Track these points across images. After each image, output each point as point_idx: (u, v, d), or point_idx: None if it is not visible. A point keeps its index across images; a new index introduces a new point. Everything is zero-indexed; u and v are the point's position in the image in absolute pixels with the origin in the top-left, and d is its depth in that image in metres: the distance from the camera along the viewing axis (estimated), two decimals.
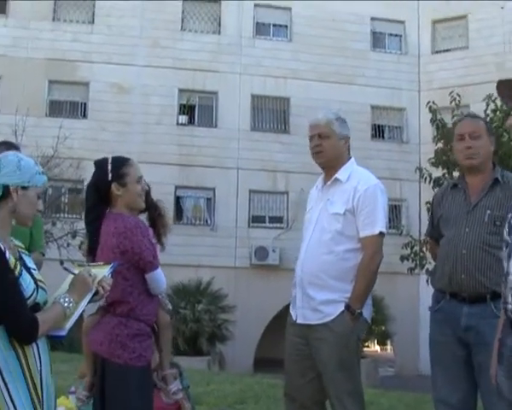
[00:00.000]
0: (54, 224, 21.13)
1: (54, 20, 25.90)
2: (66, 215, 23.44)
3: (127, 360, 4.28)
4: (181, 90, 26.42)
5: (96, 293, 3.57)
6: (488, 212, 4.56)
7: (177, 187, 25.06)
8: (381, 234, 4.73)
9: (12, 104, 21.91)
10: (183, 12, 26.86)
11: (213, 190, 26.02)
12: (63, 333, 3.40)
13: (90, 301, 3.57)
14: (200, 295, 22.79)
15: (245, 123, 26.70)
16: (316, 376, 4.77)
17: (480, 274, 4.44)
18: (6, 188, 3.37)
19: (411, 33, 28.82)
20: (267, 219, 26.73)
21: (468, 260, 4.56)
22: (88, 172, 19.40)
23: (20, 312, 3.19)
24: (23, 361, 3.24)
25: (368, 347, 29.92)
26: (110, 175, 4.42)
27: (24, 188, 3.40)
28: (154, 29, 25.88)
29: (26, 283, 3.28)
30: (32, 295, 3.29)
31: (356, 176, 4.84)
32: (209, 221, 26.11)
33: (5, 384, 3.17)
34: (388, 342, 29.70)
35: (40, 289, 3.38)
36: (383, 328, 24.91)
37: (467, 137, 4.78)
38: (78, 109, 25.95)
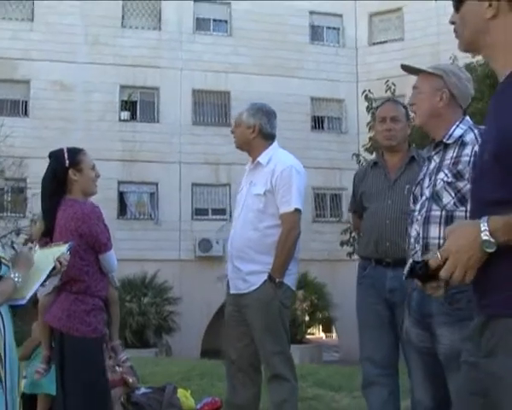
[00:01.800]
0: None
1: None
2: (9, 213, 23.35)
3: (85, 333, 4.65)
4: (122, 87, 26.50)
5: (55, 268, 4.05)
6: (407, 186, 4.99)
7: (120, 182, 25.16)
8: (297, 210, 5.18)
9: None
10: (123, 8, 26.93)
11: (156, 184, 26.18)
12: (23, 302, 3.84)
13: (49, 275, 4.06)
14: (146, 288, 23.08)
15: (186, 117, 26.92)
16: (250, 341, 5.22)
17: (402, 241, 4.85)
18: None
19: (349, 26, 29.30)
20: (210, 211, 27.00)
21: (391, 230, 5.01)
22: (30, 170, 19.38)
23: None
24: None
25: (312, 334, 30.44)
26: (67, 162, 4.81)
27: None
28: (95, 26, 25.86)
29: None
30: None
31: (275, 159, 5.30)
32: (153, 215, 26.27)
33: None
34: (333, 329, 30.23)
35: (3, 265, 3.71)
36: (326, 314, 25.46)
37: (388, 119, 5.25)
38: (19, 107, 25.80)
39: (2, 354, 3.63)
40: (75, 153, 4.91)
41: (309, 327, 26.41)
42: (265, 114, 5.40)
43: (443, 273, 2.25)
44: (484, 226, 2.16)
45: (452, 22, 2.60)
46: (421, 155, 5.04)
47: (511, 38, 2.34)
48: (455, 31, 2.59)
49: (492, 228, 2.15)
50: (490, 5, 2.36)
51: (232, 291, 5.28)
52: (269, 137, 5.40)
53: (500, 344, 2.22)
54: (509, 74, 2.33)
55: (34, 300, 6.04)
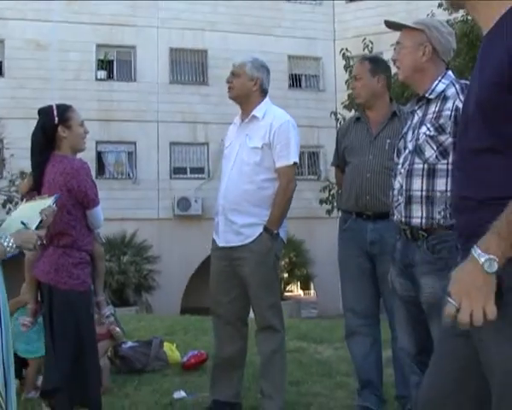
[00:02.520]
0: None
1: None
2: None
3: (72, 286, 4.75)
4: (99, 46, 26.28)
5: (42, 221, 4.10)
6: (388, 141, 5.11)
7: (97, 142, 24.98)
8: (295, 164, 5.27)
9: None
10: None
11: (134, 143, 26.13)
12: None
13: (36, 228, 4.06)
14: (125, 247, 23.19)
15: (164, 76, 26.81)
16: (238, 294, 5.31)
17: (382, 195, 4.99)
18: None
19: None
20: (188, 170, 27.03)
21: (371, 183, 5.14)
22: (7, 130, 19.23)
23: None
24: None
25: (291, 291, 30.69)
26: (56, 119, 4.86)
27: None
28: None
29: None
30: None
31: (271, 113, 5.33)
32: (131, 175, 26.26)
33: None
34: (311, 287, 30.48)
35: None
36: (305, 271, 25.69)
37: (353, 79, 5.51)
38: None
39: None
40: (64, 110, 4.94)
41: (287, 284, 26.68)
42: (266, 70, 5.46)
43: (462, 319, 2.18)
44: (476, 252, 2.18)
45: None
46: (402, 110, 5.14)
47: None
48: None
49: (484, 247, 2.17)
50: None
51: (222, 244, 5.30)
52: (265, 93, 5.45)
53: None
54: (491, 29, 2.41)
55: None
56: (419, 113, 3.93)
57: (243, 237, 5.18)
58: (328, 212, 19.32)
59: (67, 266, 4.75)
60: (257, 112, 5.33)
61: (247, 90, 5.36)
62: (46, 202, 4.32)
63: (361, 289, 5.22)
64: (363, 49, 17.82)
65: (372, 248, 5.10)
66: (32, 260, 5.04)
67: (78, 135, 4.94)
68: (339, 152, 5.62)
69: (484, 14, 2.47)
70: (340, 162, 5.61)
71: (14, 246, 3.75)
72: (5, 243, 3.72)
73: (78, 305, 4.78)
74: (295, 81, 28.63)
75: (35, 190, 4.90)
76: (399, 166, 3.90)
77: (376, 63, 5.41)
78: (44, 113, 4.94)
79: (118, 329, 6.55)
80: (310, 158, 27.53)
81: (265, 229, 5.15)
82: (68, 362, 4.71)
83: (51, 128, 4.86)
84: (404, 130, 4.02)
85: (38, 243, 3.97)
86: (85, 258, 4.90)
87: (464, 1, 2.54)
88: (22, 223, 3.96)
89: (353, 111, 17.85)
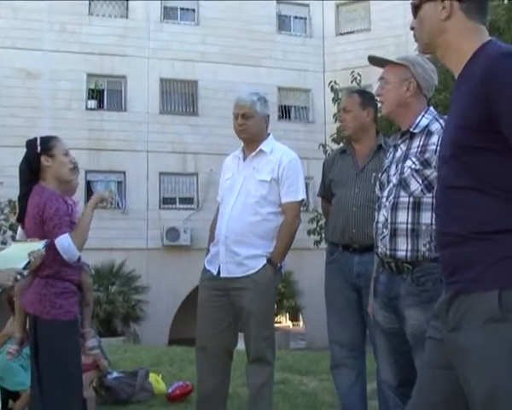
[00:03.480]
0: None
1: None
2: None
3: (55, 316, 4.72)
4: (89, 75, 26.34)
5: (29, 262, 4.21)
6: (374, 174, 5.13)
7: (87, 171, 24.90)
8: (302, 201, 5.37)
9: None
10: None
11: (124, 173, 26.13)
12: None
13: (24, 268, 4.17)
14: (114, 277, 23.13)
15: (154, 106, 26.86)
16: (228, 325, 5.30)
17: (368, 228, 5.00)
18: None
19: (316, 16, 29.38)
20: (178, 200, 27.01)
21: (357, 217, 5.17)
22: None
23: None
24: None
25: (280, 322, 30.61)
26: (39, 148, 4.88)
27: None
28: (61, 13, 25.62)
29: None
30: None
31: (278, 149, 5.43)
32: (120, 204, 26.21)
33: None
34: (300, 318, 30.41)
35: None
36: (293, 302, 25.64)
37: (342, 111, 5.54)
38: None
39: None
40: (47, 139, 4.98)
41: (276, 315, 26.59)
42: (267, 104, 5.56)
43: None
44: None
45: (412, 28, 2.76)
46: (388, 142, 5.19)
47: (463, 37, 2.54)
48: (414, 36, 2.76)
49: None
50: (443, 8, 2.57)
51: (223, 275, 5.27)
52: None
53: (465, 318, 2.37)
54: (460, 73, 2.52)
55: (8, 295, 6.16)
56: (402, 147, 3.97)
57: (246, 269, 5.19)
58: (317, 243, 19.35)
59: (50, 296, 4.73)
60: (264, 146, 5.40)
61: (261, 129, 5.46)
62: (36, 245, 4.41)
63: (347, 321, 5.23)
64: (352, 82, 17.96)
65: (358, 280, 5.11)
66: (22, 289, 5.05)
67: (61, 164, 4.92)
68: (325, 183, 5.66)
69: (454, 60, 2.59)
70: (326, 193, 5.65)
71: None
72: None
73: (62, 335, 4.74)
74: (285, 112, 28.74)
75: (19, 220, 4.92)
76: (384, 200, 3.94)
77: (365, 96, 5.46)
78: (29, 144, 4.98)
79: (104, 360, 6.54)
80: None
81: (270, 261, 5.20)
82: (53, 395, 4.68)
83: (34, 158, 4.88)
84: (387, 163, 4.07)
85: (18, 277, 3.98)
86: (70, 288, 4.86)
87: (434, 49, 2.64)
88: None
89: (341, 144, 17.97)
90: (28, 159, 4.92)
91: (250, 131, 5.42)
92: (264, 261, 5.19)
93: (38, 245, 4.41)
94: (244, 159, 5.49)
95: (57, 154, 4.92)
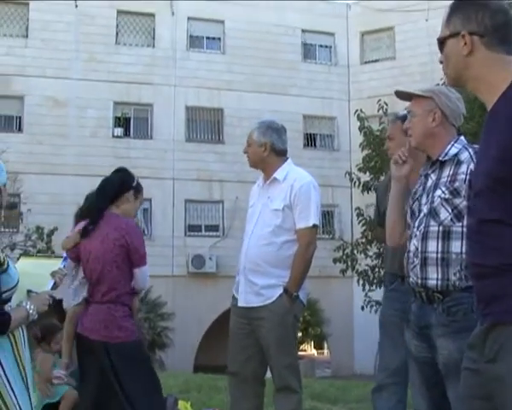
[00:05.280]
0: None
1: None
2: (3, 229, 23.36)
3: (124, 339, 5.02)
4: (116, 103, 26.66)
5: (55, 283, 4.19)
6: None
7: None
8: (315, 226, 5.30)
9: None
10: (117, 26, 27.10)
11: (150, 200, 26.17)
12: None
13: (52, 289, 4.17)
14: (140, 303, 23.11)
15: (180, 134, 27.07)
16: (255, 352, 5.31)
17: None
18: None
19: (341, 44, 29.56)
20: (203, 227, 27.15)
21: None
22: (25, 186, 19.34)
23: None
24: (15, 347, 3.68)
25: (305, 350, 30.50)
26: (135, 183, 5.39)
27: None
28: (89, 43, 25.98)
29: (13, 272, 3.69)
30: (16, 283, 3.72)
31: (292, 175, 5.39)
32: (146, 231, 26.27)
33: (2, 368, 3.58)
34: (325, 346, 30.29)
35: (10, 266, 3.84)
36: (319, 330, 25.56)
37: (387, 139, 5.47)
38: (13, 123, 25.94)
39: (25, 375, 3.74)
40: (139, 183, 5.47)
41: (301, 343, 26.53)
42: (275, 131, 5.48)
43: None
44: None
45: (441, 62, 2.80)
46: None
47: (489, 71, 2.56)
48: (443, 69, 2.80)
49: None
50: (465, 43, 2.60)
51: (242, 305, 5.31)
52: (281, 153, 5.48)
53: (503, 349, 2.38)
54: (494, 104, 2.52)
55: (33, 333, 6.25)
56: (432, 176, 3.98)
57: (264, 298, 5.20)
58: (343, 271, 19.30)
59: (115, 321, 5.03)
60: (277, 174, 5.38)
61: (259, 156, 5.44)
62: (56, 264, 4.39)
63: (398, 347, 5.17)
64: (378, 110, 17.98)
65: None
66: (76, 314, 5.26)
67: (136, 208, 5.41)
68: (380, 211, 5.53)
69: (485, 93, 2.60)
70: (382, 221, 5.58)
71: (35, 312, 3.80)
72: (30, 310, 3.77)
73: (135, 354, 5.11)
74: (310, 140, 28.84)
75: (83, 218, 5.35)
76: (414, 229, 3.95)
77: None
78: (126, 171, 5.45)
79: None
80: (324, 217, 27.49)
81: (285, 290, 5.17)
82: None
83: (127, 186, 5.31)
84: (419, 192, 4.07)
85: (50, 301, 4.03)
86: (128, 311, 5.15)
87: (464, 83, 2.68)
88: (30, 291, 3.96)
89: (367, 173, 17.98)
90: (123, 181, 5.34)
91: (250, 159, 5.51)
92: (281, 291, 5.17)
93: (58, 263, 4.40)
94: (263, 186, 5.52)
95: (140, 198, 5.42)
